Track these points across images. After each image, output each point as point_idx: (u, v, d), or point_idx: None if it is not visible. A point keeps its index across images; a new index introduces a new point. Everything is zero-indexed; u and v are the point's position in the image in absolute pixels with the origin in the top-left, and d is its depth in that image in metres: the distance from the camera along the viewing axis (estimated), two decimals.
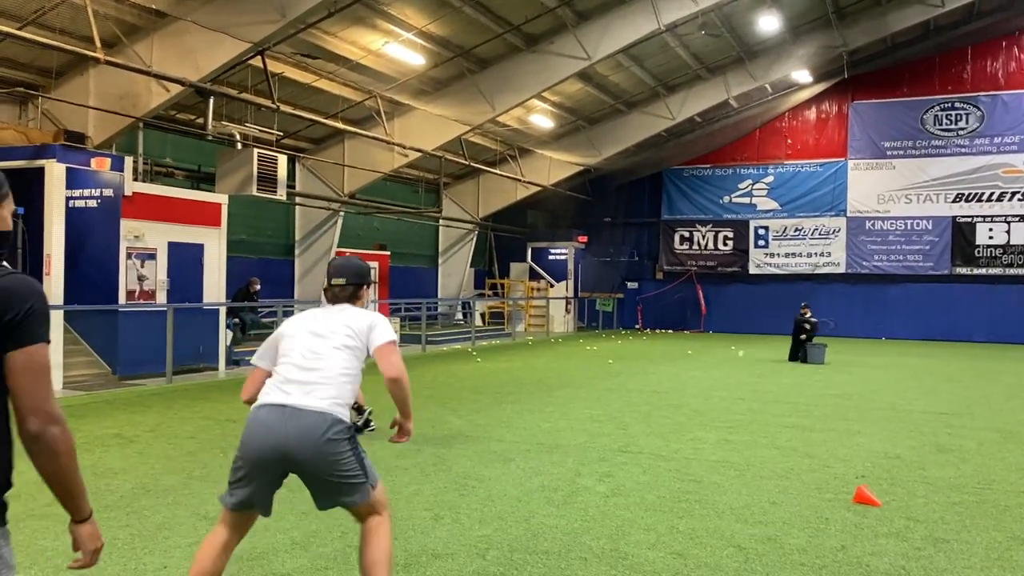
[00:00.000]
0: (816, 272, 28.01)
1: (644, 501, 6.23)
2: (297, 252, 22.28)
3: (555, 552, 5.01)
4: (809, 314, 18.41)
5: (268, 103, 16.07)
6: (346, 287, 3.98)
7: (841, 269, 27.72)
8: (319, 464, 3.58)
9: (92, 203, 13.37)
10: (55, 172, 12.82)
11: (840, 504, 6.22)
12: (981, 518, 5.92)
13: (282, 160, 16.59)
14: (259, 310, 18.22)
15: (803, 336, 18.09)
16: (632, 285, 31.20)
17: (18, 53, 14.02)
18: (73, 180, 13.19)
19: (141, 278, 13.69)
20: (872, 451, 8.29)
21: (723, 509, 6.04)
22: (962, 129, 26.21)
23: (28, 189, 12.96)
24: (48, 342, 2.12)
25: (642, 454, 7.97)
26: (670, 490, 6.58)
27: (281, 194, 16.68)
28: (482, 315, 28.76)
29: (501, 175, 25.63)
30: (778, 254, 28.66)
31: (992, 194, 25.93)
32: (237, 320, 16.12)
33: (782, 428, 9.56)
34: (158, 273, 13.99)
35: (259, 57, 14.73)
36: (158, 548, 4.98)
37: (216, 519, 3.71)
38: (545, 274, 29.86)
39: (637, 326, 30.69)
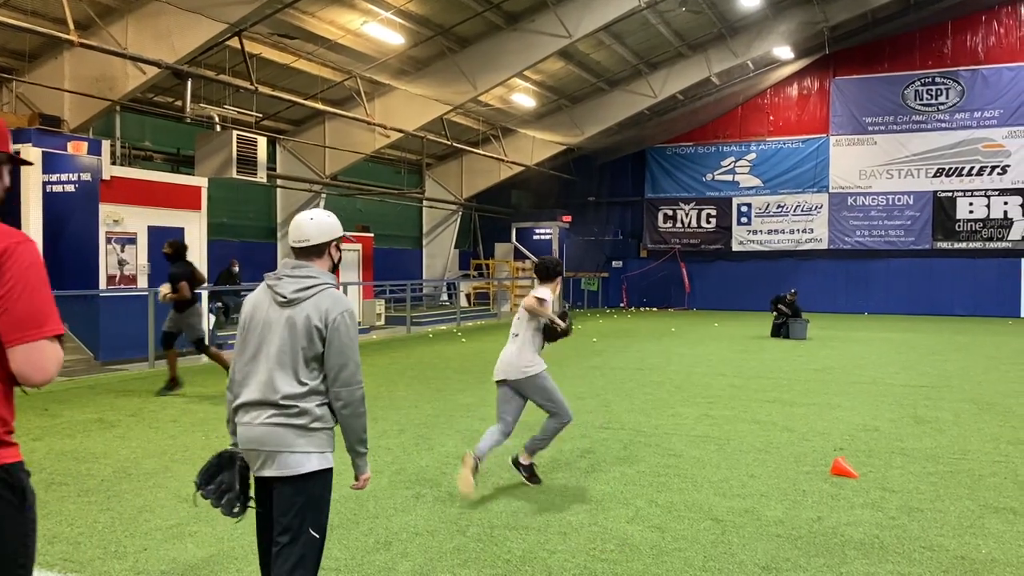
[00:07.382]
0: (799, 248, 28.15)
1: (623, 476, 6.28)
2: (279, 235, 22.17)
3: (535, 528, 5.05)
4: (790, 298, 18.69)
5: (246, 84, 15.93)
6: None
7: (824, 245, 27.87)
8: None
9: (70, 187, 13.24)
10: (31, 157, 12.67)
11: (818, 476, 6.29)
12: (955, 487, 6.01)
13: (262, 142, 16.46)
14: (242, 293, 18.14)
15: (778, 313, 18.58)
16: (617, 264, 31.27)
17: None
18: (50, 164, 13.06)
19: (121, 263, 13.60)
20: (851, 424, 8.38)
21: (702, 483, 6.10)
22: (942, 104, 26.32)
23: None
24: None
25: (623, 430, 8.03)
26: (649, 465, 6.63)
27: (261, 176, 16.57)
28: (467, 296, 28.77)
29: (484, 155, 25.54)
30: (761, 231, 28.77)
31: (972, 168, 26.09)
32: (220, 304, 16.05)
33: (763, 403, 9.65)
34: (138, 257, 13.90)
35: (236, 38, 14.62)
36: (139, 531, 4.98)
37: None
38: (530, 254, 29.82)
39: (622, 304, 30.79)
